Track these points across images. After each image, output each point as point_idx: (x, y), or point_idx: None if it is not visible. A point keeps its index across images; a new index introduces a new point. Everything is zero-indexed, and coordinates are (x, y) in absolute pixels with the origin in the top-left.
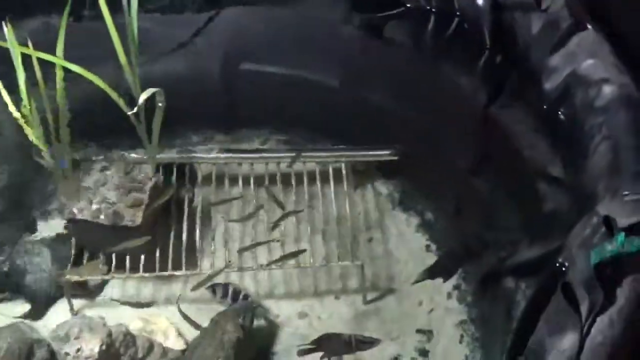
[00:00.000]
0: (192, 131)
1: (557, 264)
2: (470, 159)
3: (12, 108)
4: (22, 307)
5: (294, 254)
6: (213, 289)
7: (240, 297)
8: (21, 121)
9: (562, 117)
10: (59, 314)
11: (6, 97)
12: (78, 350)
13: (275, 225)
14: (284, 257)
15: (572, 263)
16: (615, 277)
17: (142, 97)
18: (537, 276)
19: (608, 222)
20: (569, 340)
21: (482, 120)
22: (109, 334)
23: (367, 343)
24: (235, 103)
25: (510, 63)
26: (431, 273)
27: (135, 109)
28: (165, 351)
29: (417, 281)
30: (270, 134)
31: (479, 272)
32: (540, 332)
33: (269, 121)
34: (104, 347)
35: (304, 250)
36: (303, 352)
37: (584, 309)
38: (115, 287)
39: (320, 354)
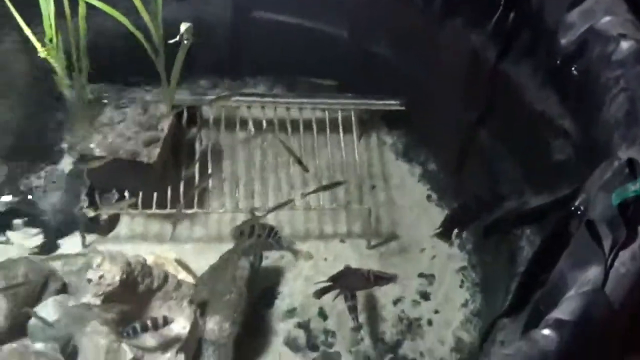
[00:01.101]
0: (200, 76)
1: (573, 208)
2: (476, 112)
3: (33, 39)
4: (35, 239)
5: (333, 185)
6: (241, 229)
7: (271, 234)
8: (44, 53)
9: (575, 72)
10: (69, 248)
11: (26, 29)
12: (100, 277)
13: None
14: (323, 188)
15: (592, 206)
16: (638, 215)
17: (183, 27)
18: (543, 223)
19: (631, 164)
20: (592, 272)
21: (491, 75)
22: (128, 264)
23: (384, 279)
24: (243, 50)
25: (523, 20)
26: (446, 226)
27: (177, 38)
28: (179, 283)
29: (436, 234)
30: (276, 81)
31: (482, 221)
32: (561, 268)
33: (275, 69)
34: (124, 275)
35: (343, 182)
36: (320, 293)
37: (606, 244)
38: (125, 224)
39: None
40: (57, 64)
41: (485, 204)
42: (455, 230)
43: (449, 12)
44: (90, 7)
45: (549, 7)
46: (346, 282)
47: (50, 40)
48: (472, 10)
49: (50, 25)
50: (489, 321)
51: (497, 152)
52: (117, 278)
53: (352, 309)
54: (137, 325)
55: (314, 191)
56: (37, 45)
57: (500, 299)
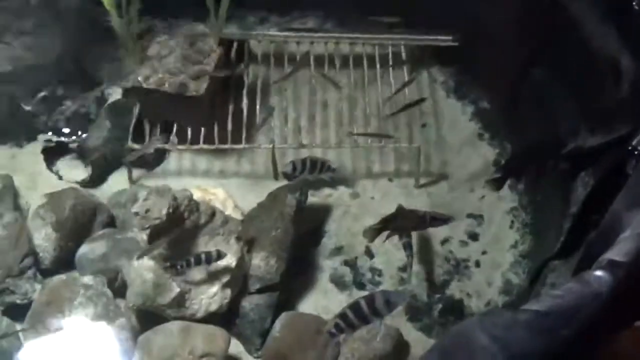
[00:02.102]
0: (248, 11)
1: (630, 148)
2: (532, 47)
3: None
4: (83, 172)
5: (418, 102)
6: (293, 164)
7: (324, 167)
8: None
9: (636, 7)
10: (116, 182)
11: None
12: (147, 211)
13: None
14: (408, 106)
15: None
16: None
17: None
18: (598, 163)
19: None
20: None
21: (549, 7)
22: (175, 199)
23: (440, 220)
24: None
25: None
26: (501, 175)
27: None
28: (226, 219)
29: (487, 182)
30: (326, 17)
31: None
32: (616, 208)
33: (324, 4)
34: (170, 210)
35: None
36: (372, 235)
37: None
38: (172, 159)
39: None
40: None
41: (541, 151)
42: (508, 181)
43: None
44: None
45: None
46: (400, 223)
47: None
48: None
49: None
50: (540, 263)
51: (553, 90)
52: (164, 212)
53: (408, 248)
54: (191, 259)
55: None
56: None
57: (552, 240)
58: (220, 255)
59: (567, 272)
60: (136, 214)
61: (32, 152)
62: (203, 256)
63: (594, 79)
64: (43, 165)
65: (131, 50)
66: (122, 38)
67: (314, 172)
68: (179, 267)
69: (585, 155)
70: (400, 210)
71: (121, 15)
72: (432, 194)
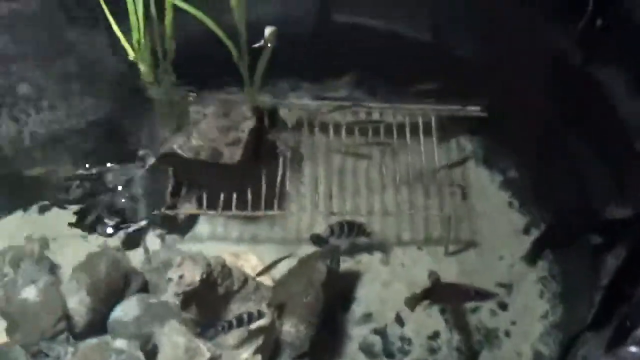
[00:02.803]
0: (280, 78)
1: None
2: (560, 116)
3: (123, 41)
4: (117, 236)
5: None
6: (331, 228)
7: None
8: (132, 54)
9: None
10: (149, 246)
11: (118, 32)
12: (181, 277)
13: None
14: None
15: None
16: None
17: (267, 31)
18: (630, 234)
19: None
20: None
21: (577, 79)
22: (209, 264)
23: (484, 295)
24: (324, 53)
25: (612, 24)
26: (535, 249)
27: (261, 42)
28: (257, 285)
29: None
30: (357, 85)
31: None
32: None
33: (356, 72)
34: (204, 276)
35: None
36: (414, 304)
37: None
38: (204, 224)
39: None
40: (145, 65)
41: (573, 223)
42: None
43: (535, 14)
44: (176, 9)
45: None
46: (441, 295)
47: (138, 43)
48: (559, 13)
49: (138, 27)
50: (571, 335)
51: (583, 159)
52: (197, 278)
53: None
54: (234, 320)
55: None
56: (127, 47)
57: (583, 312)
58: (261, 315)
59: (599, 345)
60: (169, 279)
61: (66, 215)
62: (245, 317)
63: (625, 148)
64: (76, 229)
65: (167, 118)
66: (158, 105)
67: (351, 235)
68: (220, 328)
69: (617, 226)
70: (440, 282)
71: (158, 83)
72: (461, 261)
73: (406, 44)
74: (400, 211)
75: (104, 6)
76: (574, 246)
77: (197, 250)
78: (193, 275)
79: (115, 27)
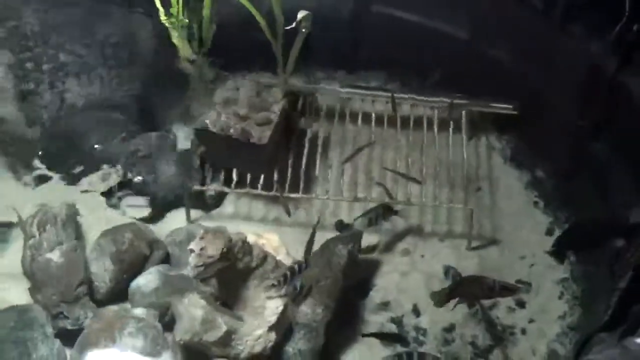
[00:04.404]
0: (317, 67)
1: None
2: (592, 122)
3: (163, 18)
4: (144, 210)
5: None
6: (369, 218)
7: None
8: (171, 29)
9: None
10: (174, 221)
11: (160, 6)
12: (202, 249)
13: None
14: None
15: None
16: None
17: (300, 15)
18: None
19: None
20: None
21: (611, 85)
22: (230, 240)
23: (509, 290)
24: (360, 44)
25: None
26: (561, 246)
27: (293, 24)
28: (277, 264)
29: (549, 252)
30: (390, 77)
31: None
32: None
33: (390, 65)
34: (224, 250)
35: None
36: (441, 301)
37: None
38: (230, 202)
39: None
40: (182, 44)
41: (597, 226)
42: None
43: (570, 19)
44: None
45: None
46: (468, 290)
47: (177, 20)
48: (594, 19)
49: (178, 5)
50: (586, 334)
51: (610, 164)
52: (218, 251)
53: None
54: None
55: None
56: (167, 24)
57: (600, 314)
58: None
59: (613, 344)
60: (191, 250)
61: (94, 183)
62: (296, 267)
63: None
64: (104, 198)
65: (200, 95)
66: (193, 83)
67: (385, 218)
68: (276, 283)
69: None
70: (467, 277)
71: (193, 62)
72: (482, 257)
73: (442, 39)
74: (424, 203)
75: None
76: (597, 249)
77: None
78: (214, 248)
79: (157, 3)
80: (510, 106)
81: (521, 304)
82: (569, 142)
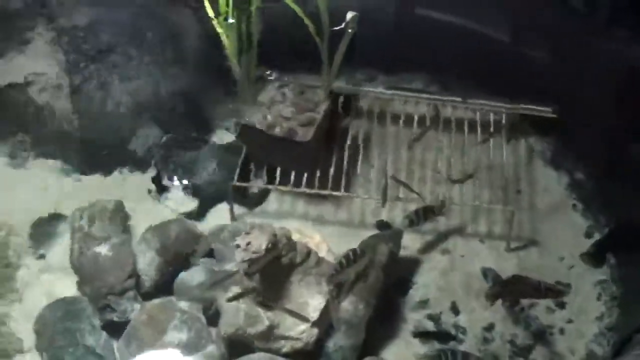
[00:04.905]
0: (357, 68)
1: None
2: (629, 123)
3: (214, 19)
4: (188, 205)
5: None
6: (409, 218)
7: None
8: (219, 28)
9: None
10: (217, 217)
11: (209, 7)
12: (248, 243)
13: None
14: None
15: None
16: None
17: (349, 16)
18: None
19: None
20: None
21: None
22: (275, 235)
23: (555, 291)
24: (402, 46)
25: None
26: (598, 250)
27: (341, 26)
28: (319, 261)
29: (587, 259)
30: (431, 80)
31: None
32: None
33: (431, 67)
34: (270, 245)
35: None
36: (492, 297)
37: None
38: (273, 200)
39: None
40: (230, 43)
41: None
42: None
43: (613, 21)
44: None
45: None
46: (516, 289)
47: (225, 18)
48: (637, 21)
49: (227, 2)
50: (625, 335)
51: None
52: (264, 246)
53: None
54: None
55: None
56: (216, 24)
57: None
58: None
59: None
60: (237, 245)
61: (141, 181)
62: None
63: None
64: (150, 194)
65: (246, 95)
66: (239, 82)
67: (428, 219)
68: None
69: None
70: (514, 277)
71: (240, 61)
72: (522, 258)
73: (483, 42)
74: (464, 203)
75: None
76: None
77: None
78: (260, 243)
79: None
80: (550, 109)
81: (560, 305)
82: (609, 144)
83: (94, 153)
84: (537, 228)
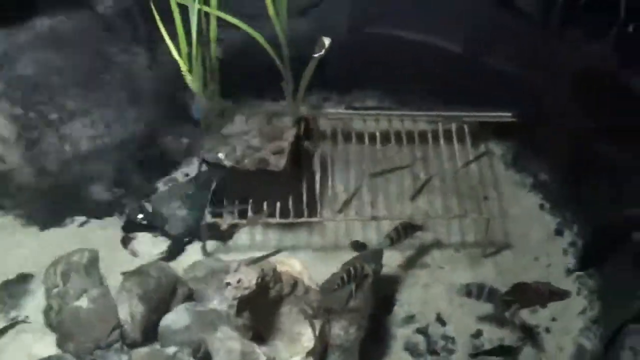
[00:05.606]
0: (311, 90)
1: None
2: (593, 122)
3: (177, 56)
4: (160, 246)
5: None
6: (389, 236)
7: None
8: (184, 68)
9: None
10: (189, 255)
11: (169, 42)
12: (239, 280)
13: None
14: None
15: None
16: None
17: (327, 42)
18: None
19: None
20: None
21: (611, 85)
22: (262, 269)
23: (558, 294)
24: (354, 65)
25: None
26: (584, 263)
27: (322, 52)
28: (307, 289)
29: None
30: (384, 95)
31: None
32: None
33: (385, 83)
34: (260, 279)
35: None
36: (502, 307)
37: None
38: (243, 233)
39: None
40: (194, 77)
41: (612, 229)
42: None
43: (567, 23)
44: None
45: None
46: (522, 299)
47: (187, 54)
48: (591, 22)
49: (188, 40)
50: (614, 327)
51: (617, 161)
52: (254, 282)
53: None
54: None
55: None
56: (178, 59)
57: (623, 305)
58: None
59: None
60: (228, 284)
61: (107, 227)
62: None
63: None
64: (118, 240)
65: (211, 128)
66: (203, 116)
67: (408, 236)
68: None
69: None
70: (519, 284)
71: (203, 94)
72: (498, 263)
73: (436, 54)
74: (442, 216)
75: (158, 22)
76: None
77: (241, 259)
78: (250, 279)
79: (166, 38)
80: (509, 114)
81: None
82: (568, 143)
83: (53, 205)
84: (509, 231)
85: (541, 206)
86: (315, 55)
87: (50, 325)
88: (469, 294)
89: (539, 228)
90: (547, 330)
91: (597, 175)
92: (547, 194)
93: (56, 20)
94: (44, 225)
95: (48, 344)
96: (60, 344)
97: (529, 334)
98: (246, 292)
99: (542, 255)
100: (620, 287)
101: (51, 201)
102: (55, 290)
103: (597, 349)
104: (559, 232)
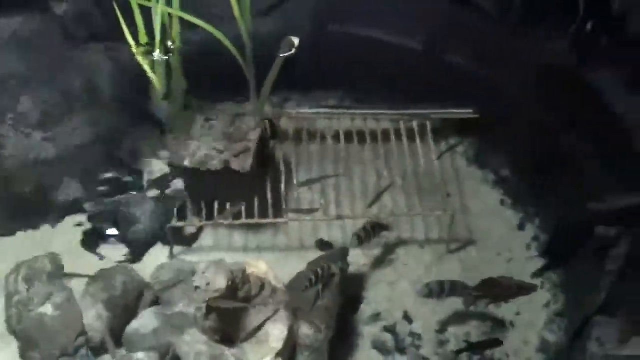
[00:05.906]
0: (273, 91)
1: None
2: (554, 117)
3: (137, 53)
4: (123, 250)
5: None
6: (358, 236)
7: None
8: (149, 70)
9: None
10: (154, 258)
11: (131, 41)
12: (208, 284)
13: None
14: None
15: None
16: None
17: (296, 41)
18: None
19: None
20: None
21: (571, 80)
22: (231, 272)
23: (526, 289)
24: (317, 64)
25: (603, 29)
26: (550, 265)
27: (292, 51)
28: (274, 289)
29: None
30: (345, 94)
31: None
32: None
33: (346, 82)
34: (229, 282)
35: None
36: (471, 302)
37: None
38: (208, 235)
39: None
40: (157, 78)
41: (575, 224)
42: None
43: (526, 21)
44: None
45: (631, 15)
46: (490, 294)
47: (148, 51)
48: (550, 19)
49: (151, 42)
50: (579, 320)
51: (579, 154)
52: (224, 285)
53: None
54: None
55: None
56: (140, 59)
57: (587, 298)
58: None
59: (615, 327)
60: (197, 287)
61: (68, 231)
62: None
63: (623, 143)
64: (79, 244)
65: (175, 130)
66: (165, 119)
67: (376, 235)
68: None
69: (618, 215)
70: (487, 280)
71: (166, 95)
72: (462, 259)
73: (397, 53)
74: (402, 212)
75: (121, 20)
76: (577, 237)
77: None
78: (219, 282)
79: (129, 39)
80: (470, 110)
81: None
82: (529, 139)
83: (13, 210)
84: (472, 227)
85: (502, 202)
86: (282, 55)
87: (13, 333)
88: (429, 294)
89: (501, 223)
90: (512, 324)
91: (558, 170)
92: (509, 190)
93: (14, 23)
94: (2, 232)
95: (11, 353)
96: (23, 353)
97: (502, 326)
98: (216, 294)
99: (504, 250)
100: (583, 280)
101: (10, 207)
102: (16, 298)
103: (562, 341)
104: (521, 227)
